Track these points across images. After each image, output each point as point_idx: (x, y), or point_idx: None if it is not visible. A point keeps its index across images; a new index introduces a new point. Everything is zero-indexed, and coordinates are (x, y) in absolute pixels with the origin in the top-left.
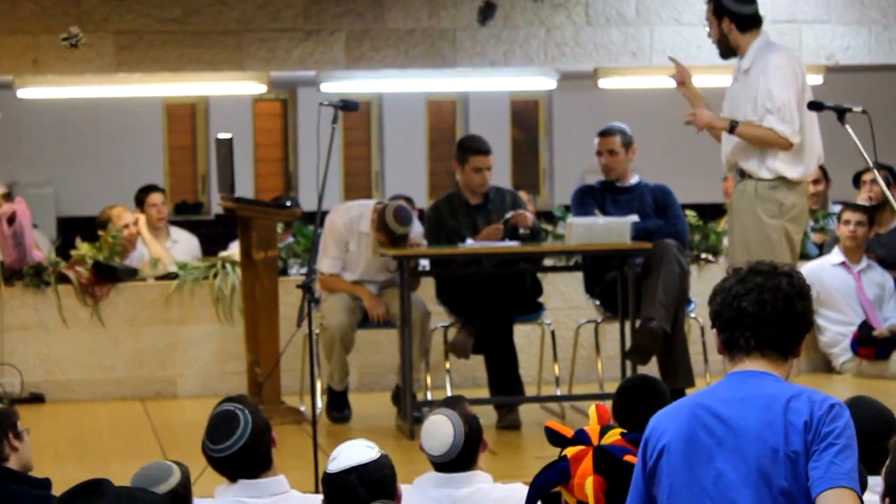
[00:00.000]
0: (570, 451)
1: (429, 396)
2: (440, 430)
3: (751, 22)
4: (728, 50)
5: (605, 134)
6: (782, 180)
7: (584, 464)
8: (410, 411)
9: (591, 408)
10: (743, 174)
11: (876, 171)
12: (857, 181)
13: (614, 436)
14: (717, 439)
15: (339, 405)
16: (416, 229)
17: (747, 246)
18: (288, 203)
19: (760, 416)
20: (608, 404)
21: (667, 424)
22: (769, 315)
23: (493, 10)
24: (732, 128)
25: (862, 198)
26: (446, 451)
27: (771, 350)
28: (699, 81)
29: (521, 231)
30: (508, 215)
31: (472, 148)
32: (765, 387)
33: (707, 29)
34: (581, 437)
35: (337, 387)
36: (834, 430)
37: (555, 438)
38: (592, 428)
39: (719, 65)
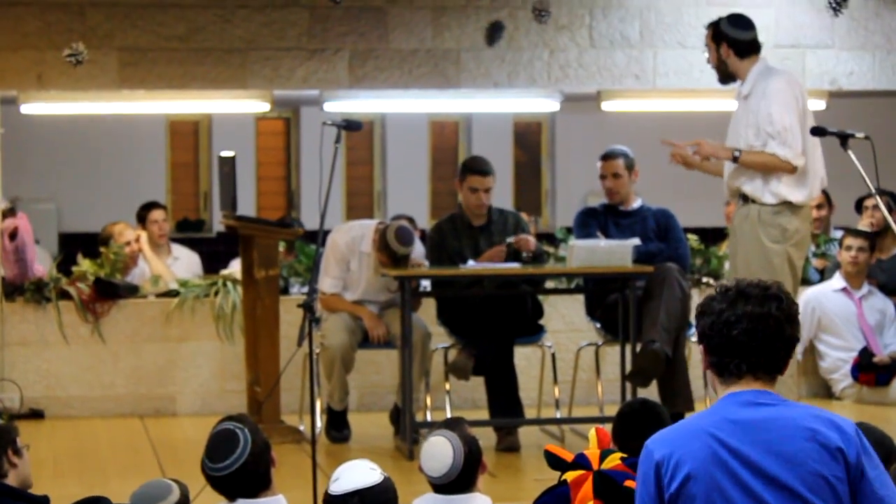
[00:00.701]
0: (570, 476)
1: (428, 417)
2: (439, 452)
3: (749, 48)
4: (726, 75)
5: (608, 157)
6: (786, 205)
7: (584, 488)
8: (410, 432)
9: (591, 431)
10: (746, 199)
11: (878, 197)
12: (859, 207)
13: (614, 460)
14: (744, 464)
15: (338, 425)
16: (418, 249)
17: (749, 270)
18: (287, 222)
19: (794, 441)
20: (608, 427)
21: (684, 451)
22: (760, 343)
23: (501, 31)
24: (735, 158)
25: (864, 223)
26: (445, 473)
27: (763, 373)
28: (702, 105)
29: (524, 255)
30: (511, 239)
31: (472, 167)
32: (774, 410)
33: (706, 54)
34: (581, 462)
35: (337, 406)
36: (869, 456)
37: (554, 462)
38: (592, 452)
39: (722, 89)
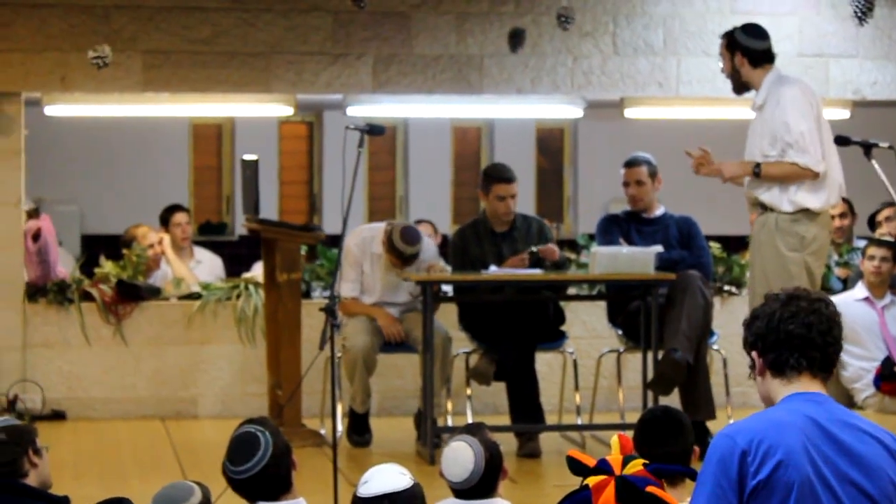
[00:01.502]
0: (591, 481)
1: (449, 422)
2: (461, 457)
3: (763, 57)
4: (740, 85)
5: (631, 164)
6: (804, 212)
7: (606, 493)
8: (431, 437)
9: (614, 438)
10: (764, 207)
11: None
12: (871, 223)
13: (636, 466)
14: (829, 465)
15: (359, 428)
16: (430, 250)
17: (767, 278)
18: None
19: (871, 447)
20: (629, 434)
21: (774, 440)
22: (815, 336)
23: (523, 37)
24: (757, 173)
25: (883, 234)
26: (466, 478)
27: (818, 371)
28: (724, 113)
29: (547, 263)
30: (535, 248)
31: (496, 176)
32: (841, 412)
33: (720, 63)
34: (603, 467)
35: (359, 409)
36: None
37: (576, 468)
38: (615, 458)
39: (744, 98)
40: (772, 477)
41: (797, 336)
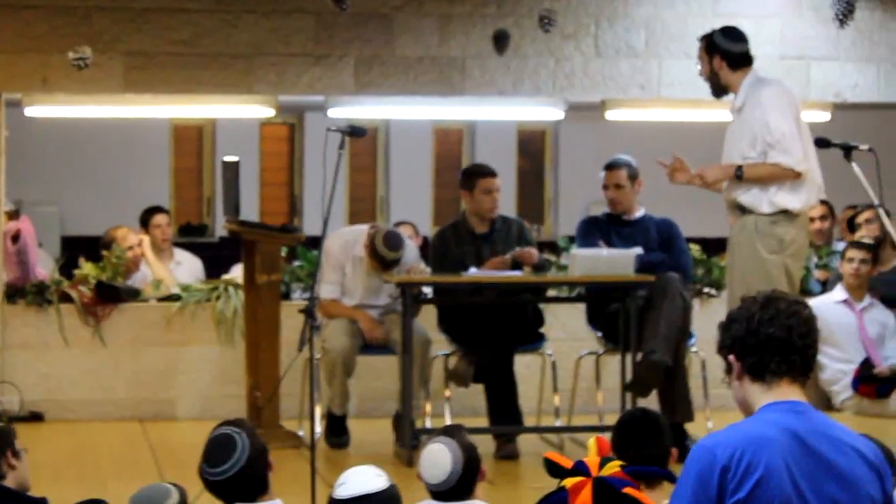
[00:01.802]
0: (568, 482)
1: (428, 424)
2: (439, 459)
3: (741, 60)
4: (719, 88)
5: (611, 167)
6: (783, 214)
7: (583, 495)
8: (409, 439)
9: (591, 440)
10: (743, 210)
11: (881, 209)
12: (850, 224)
13: (613, 468)
14: (807, 479)
15: (337, 430)
16: (412, 254)
17: (746, 281)
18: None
19: (851, 460)
20: (608, 437)
21: (754, 456)
22: (795, 340)
23: (507, 39)
24: (739, 176)
25: (862, 236)
26: (444, 480)
27: (798, 375)
28: (705, 115)
29: (525, 268)
30: (515, 252)
31: (480, 171)
32: (820, 422)
33: (698, 66)
34: (580, 469)
35: (337, 411)
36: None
37: (553, 469)
38: (592, 460)
39: (725, 100)
40: (751, 495)
41: (777, 339)
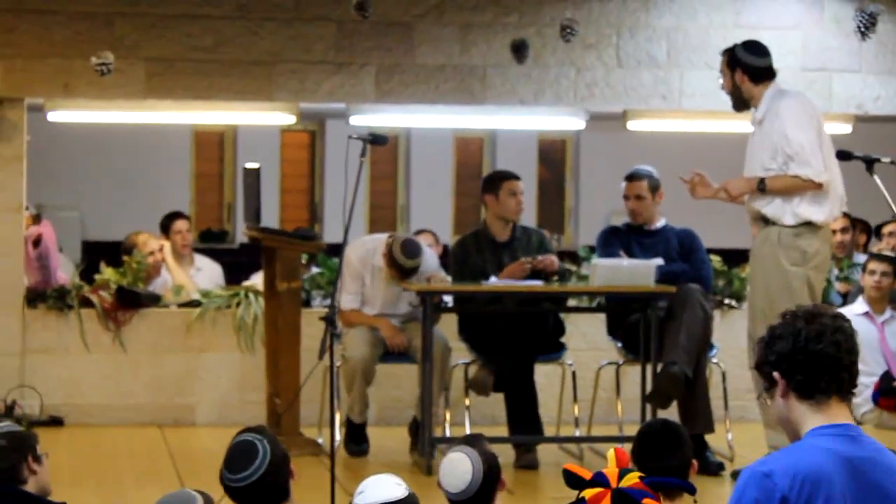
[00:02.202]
0: (587, 493)
1: (447, 433)
2: (459, 468)
3: (764, 74)
4: (741, 102)
5: (632, 178)
6: (807, 226)
7: None
8: (428, 447)
9: (610, 451)
10: (766, 221)
11: None
12: (878, 232)
13: (633, 479)
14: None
15: (357, 438)
16: (431, 262)
17: (768, 293)
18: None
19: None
20: (627, 447)
21: (814, 486)
22: (843, 356)
23: (526, 48)
24: (762, 188)
25: (883, 248)
26: (464, 489)
27: (846, 393)
28: (726, 126)
29: (548, 277)
30: (535, 259)
31: (503, 175)
32: (871, 448)
33: (720, 80)
34: (599, 480)
35: (356, 419)
36: None
37: (572, 480)
38: (611, 471)
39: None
40: None
41: (827, 356)
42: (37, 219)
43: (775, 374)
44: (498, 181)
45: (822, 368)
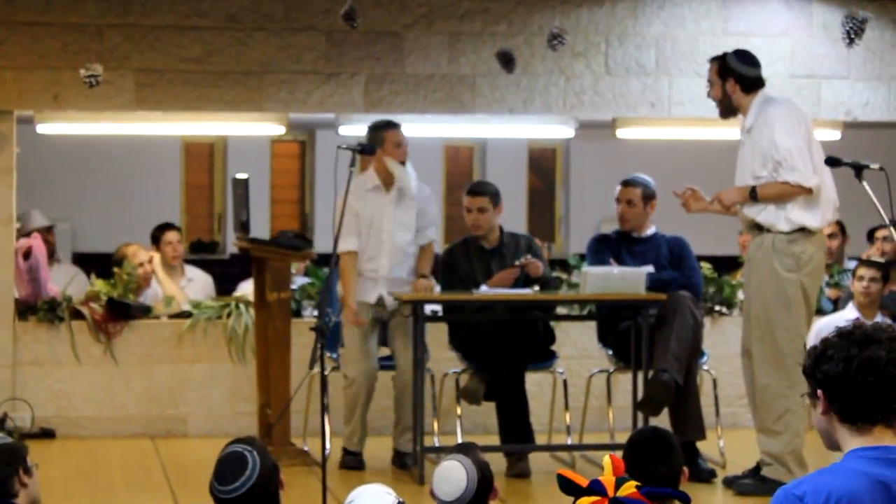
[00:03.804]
0: (584, 502)
1: (436, 442)
2: (453, 476)
3: (755, 84)
4: (728, 110)
5: (627, 184)
6: (801, 231)
7: None
8: (420, 457)
9: (606, 458)
10: (761, 228)
11: (892, 228)
12: (870, 237)
13: (630, 488)
14: None
15: (353, 464)
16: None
17: (763, 299)
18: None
19: None
20: (619, 455)
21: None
22: (893, 390)
23: (512, 57)
24: (754, 196)
25: (873, 253)
26: (458, 497)
27: (894, 420)
28: (716, 134)
29: (533, 283)
30: (521, 260)
31: (467, 189)
32: None
33: (708, 88)
34: (596, 488)
35: (354, 448)
36: None
37: (567, 486)
38: (607, 479)
39: (734, 119)
40: None
41: (876, 390)
42: (49, 230)
43: (819, 392)
44: (464, 195)
45: (869, 400)
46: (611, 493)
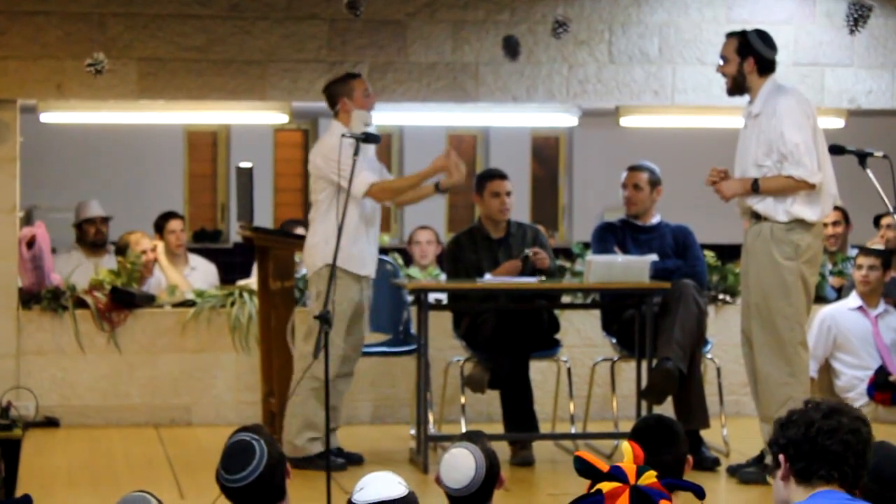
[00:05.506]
0: (605, 487)
1: (432, 430)
2: (462, 464)
3: (771, 66)
4: (738, 88)
5: (634, 169)
6: (799, 222)
7: (620, 502)
8: (424, 446)
9: (625, 444)
10: (758, 217)
11: (895, 216)
12: (877, 223)
13: (650, 478)
14: None
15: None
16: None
17: (762, 288)
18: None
19: None
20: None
21: None
22: (850, 457)
23: (517, 45)
24: (755, 189)
25: (877, 241)
26: (467, 485)
27: (847, 485)
28: (720, 122)
29: (539, 273)
30: (527, 252)
31: (489, 175)
32: None
33: (721, 63)
34: (617, 474)
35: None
36: None
37: (586, 469)
38: (628, 466)
39: (740, 106)
40: None
41: (833, 453)
42: (104, 221)
43: (780, 457)
44: (482, 182)
45: (825, 462)
46: (632, 480)
